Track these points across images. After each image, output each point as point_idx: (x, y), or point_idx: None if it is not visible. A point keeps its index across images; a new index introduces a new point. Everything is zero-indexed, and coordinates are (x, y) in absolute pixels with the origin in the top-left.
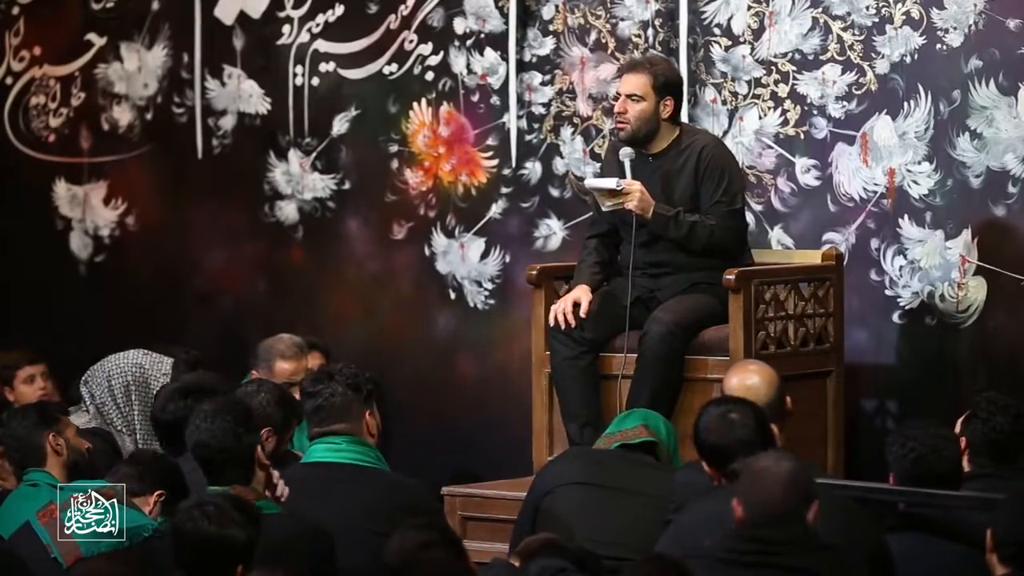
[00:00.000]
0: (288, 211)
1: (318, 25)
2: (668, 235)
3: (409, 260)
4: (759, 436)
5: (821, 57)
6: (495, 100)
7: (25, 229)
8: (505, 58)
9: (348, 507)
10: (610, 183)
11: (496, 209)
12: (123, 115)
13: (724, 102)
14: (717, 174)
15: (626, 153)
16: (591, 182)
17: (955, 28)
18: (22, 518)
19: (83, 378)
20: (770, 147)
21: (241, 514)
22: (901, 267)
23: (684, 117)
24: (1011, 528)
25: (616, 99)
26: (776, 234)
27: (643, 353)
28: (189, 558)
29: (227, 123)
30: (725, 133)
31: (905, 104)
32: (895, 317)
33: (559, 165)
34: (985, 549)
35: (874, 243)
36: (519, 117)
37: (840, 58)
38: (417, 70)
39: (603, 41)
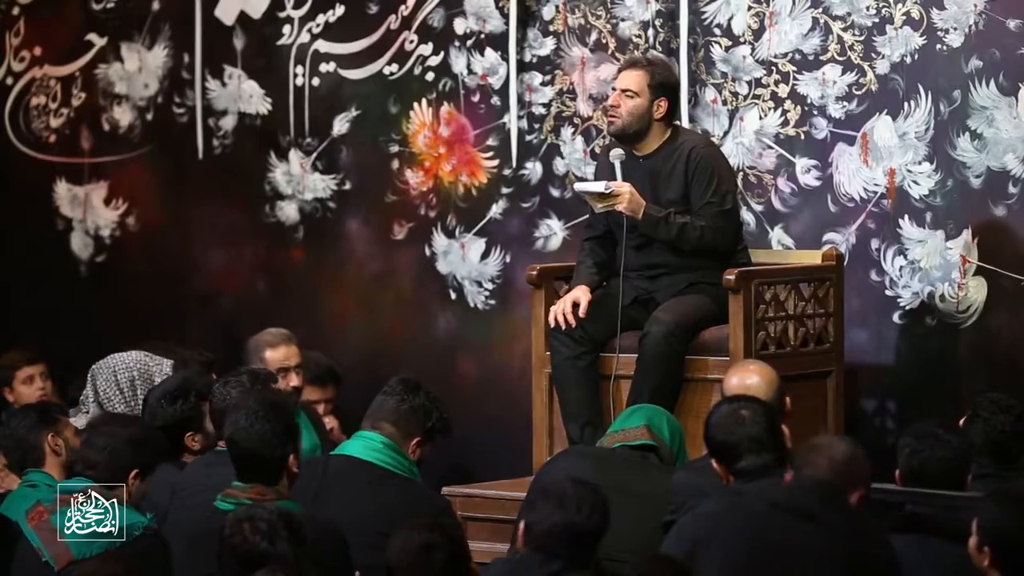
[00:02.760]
0: (289, 211)
1: (318, 25)
2: (658, 236)
3: (409, 260)
4: (769, 435)
5: (821, 57)
6: (495, 100)
7: (26, 229)
8: (505, 58)
9: (369, 508)
10: (599, 186)
11: (496, 209)
12: (124, 115)
13: (724, 102)
14: (707, 175)
15: (616, 155)
16: (580, 186)
17: (955, 28)
18: (20, 519)
19: (89, 374)
20: (770, 147)
21: (289, 531)
22: (901, 267)
23: (684, 118)
24: (997, 526)
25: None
26: (776, 234)
27: (643, 353)
28: (234, 568)
29: (228, 123)
30: (725, 133)
31: (905, 104)
32: (895, 317)
33: (559, 165)
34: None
35: (874, 243)
36: (519, 117)
37: (840, 58)
38: (417, 70)
39: (603, 41)
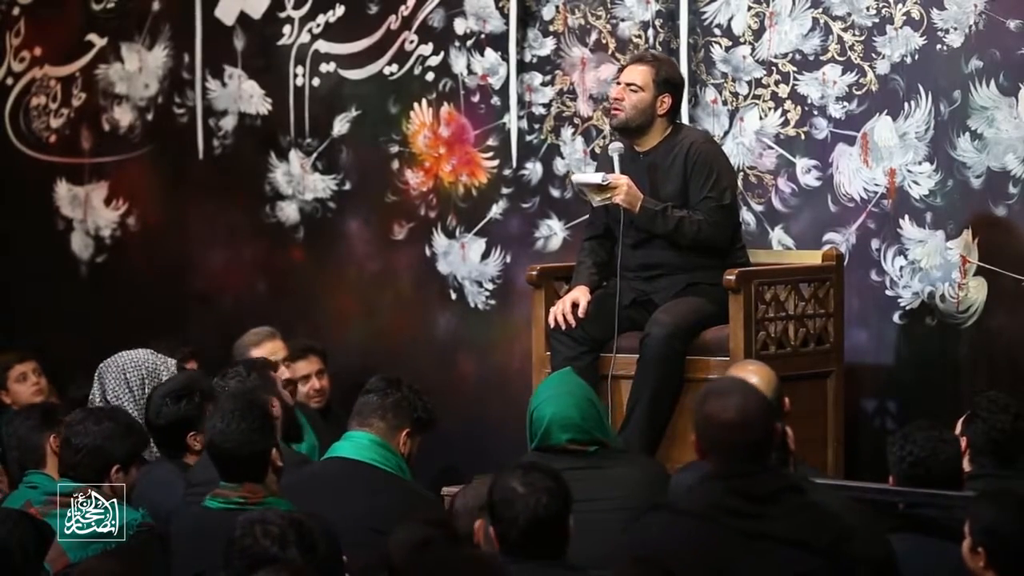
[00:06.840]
0: (289, 211)
1: (319, 26)
2: (655, 230)
3: (410, 260)
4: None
5: (821, 57)
6: (495, 100)
7: (26, 229)
8: (505, 58)
9: (361, 508)
10: (596, 178)
11: (496, 209)
12: (124, 115)
13: (725, 102)
14: (705, 170)
15: (615, 148)
16: (577, 177)
17: (955, 28)
18: None
19: (96, 373)
20: (771, 147)
21: (299, 537)
22: (901, 267)
23: (685, 118)
24: (992, 527)
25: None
26: (776, 234)
27: (644, 354)
28: (241, 571)
29: (228, 123)
30: (726, 133)
31: (905, 104)
32: (895, 317)
33: (559, 166)
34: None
35: (874, 243)
36: (519, 118)
37: (840, 58)
38: (417, 71)
39: (603, 42)
